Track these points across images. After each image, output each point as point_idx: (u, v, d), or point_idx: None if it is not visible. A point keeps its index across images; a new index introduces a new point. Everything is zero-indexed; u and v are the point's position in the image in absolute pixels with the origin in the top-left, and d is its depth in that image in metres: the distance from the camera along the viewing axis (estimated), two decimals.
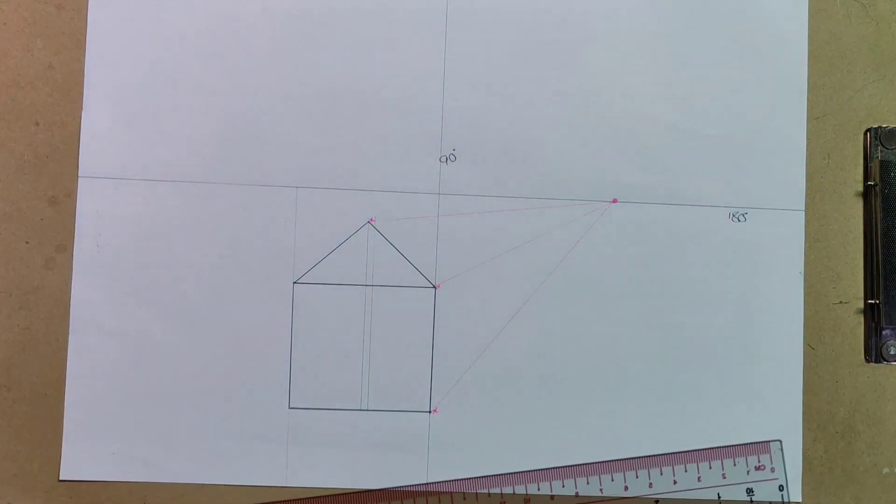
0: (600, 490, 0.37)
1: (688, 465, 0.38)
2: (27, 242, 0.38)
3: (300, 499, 0.37)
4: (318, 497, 0.37)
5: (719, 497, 0.38)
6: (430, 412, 0.38)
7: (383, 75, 0.38)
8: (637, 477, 0.38)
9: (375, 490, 0.37)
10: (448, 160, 0.38)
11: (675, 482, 0.38)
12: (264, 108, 0.38)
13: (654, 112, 0.39)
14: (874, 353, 0.39)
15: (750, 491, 0.38)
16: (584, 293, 0.39)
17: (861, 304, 0.39)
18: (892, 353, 0.39)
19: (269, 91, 0.38)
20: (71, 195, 0.38)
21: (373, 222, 0.38)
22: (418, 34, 0.38)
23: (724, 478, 0.38)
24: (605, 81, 0.39)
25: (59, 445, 0.37)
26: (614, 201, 0.39)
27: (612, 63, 0.39)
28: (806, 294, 0.39)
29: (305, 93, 0.38)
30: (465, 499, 0.37)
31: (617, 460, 0.38)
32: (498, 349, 0.38)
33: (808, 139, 0.39)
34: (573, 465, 0.38)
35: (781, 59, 0.39)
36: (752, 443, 0.38)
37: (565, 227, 0.39)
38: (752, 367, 0.39)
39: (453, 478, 0.38)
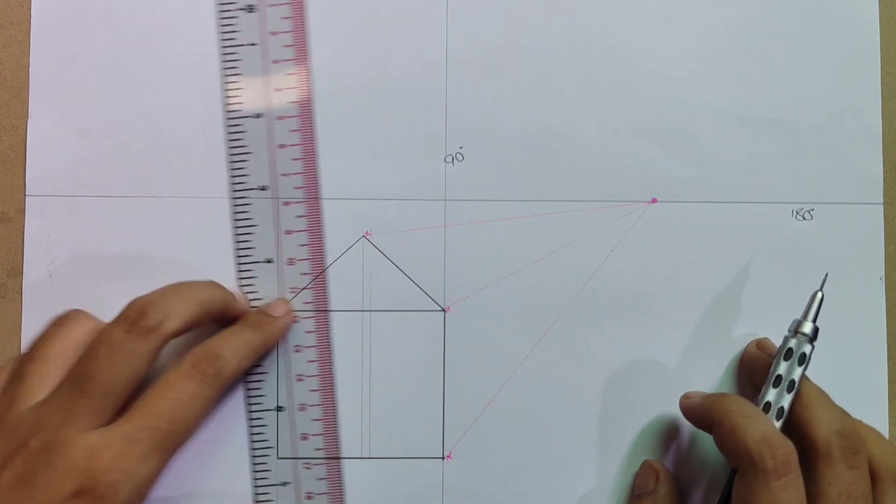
0: None
1: None
2: None
3: None
4: None
5: None
6: (443, 458, 0.36)
7: (374, 62, 0.36)
8: None
9: None
10: (454, 160, 0.36)
11: None
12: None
13: (698, 94, 0.37)
14: None
15: None
16: (619, 312, 0.36)
17: None
18: None
19: None
20: (23, 211, 0.36)
21: (368, 236, 0.36)
22: (413, 11, 0.36)
23: None
24: (637, 59, 0.36)
25: None
26: (653, 201, 0.36)
27: (646, 38, 0.36)
28: (889, 304, 0.37)
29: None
30: None
31: None
32: (521, 381, 0.36)
33: (883, 120, 0.37)
34: None
35: (849, 25, 0.37)
36: None
37: (596, 234, 0.36)
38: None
39: None
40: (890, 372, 0.36)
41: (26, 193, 0.36)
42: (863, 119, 0.36)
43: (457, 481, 0.35)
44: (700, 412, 0.32)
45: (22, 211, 0.36)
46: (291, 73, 0.35)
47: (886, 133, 0.36)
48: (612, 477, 0.35)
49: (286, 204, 0.35)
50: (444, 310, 0.36)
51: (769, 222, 0.36)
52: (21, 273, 0.36)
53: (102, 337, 0.29)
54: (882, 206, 0.36)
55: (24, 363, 0.30)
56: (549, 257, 0.36)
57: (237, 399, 0.35)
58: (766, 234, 0.36)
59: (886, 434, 0.36)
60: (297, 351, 0.35)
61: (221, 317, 0.33)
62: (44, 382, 0.29)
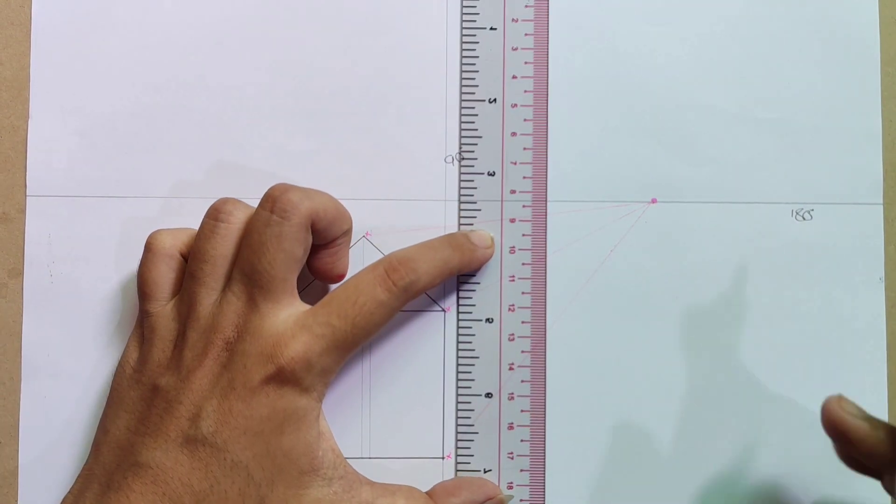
0: None
1: None
2: None
3: None
4: None
5: None
6: (443, 458, 0.35)
7: (375, 63, 0.36)
8: None
9: None
10: (455, 160, 0.36)
11: None
12: (239, 106, 0.36)
13: (698, 93, 0.36)
14: None
15: None
16: (618, 313, 0.36)
17: None
18: None
19: (243, 87, 0.36)
20: (24, 211, 0.36)
21: (369, 237, 0.35)
22: (414, 13, 0.36)
23: None
24: (637, 59, 0.36)
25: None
26: (653, 202, 0.36)
27: (646, 38, 0.36)
28: (889, 304, 0.36)
29: (286, 87, 0.36)
30: None
31: None
32: (521, 379, 0.35)
33: (883, 120, 0.36)
34: None
35: (849, 25, 0.36)
36: None
37: (595, 235, 0.36)
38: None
39: None
40: (890, 372, 0.36)
41: (27, 193, 0.35)
42: (863, 119, 0.36)
43: None
44: (885, 449, 0.29)
45: (22, 211, 0.35)
46: (529, 62, 0.35)
47: (886, 133, 0.36)
48: (610, 477, 0.35)
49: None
50: (444, 310, 0.35)
51: (769, 222, 0.35)
52: (21, 273, 0.35)
53: (255, 226, 0.30)
54: (882, 206, 0.36)
55: (198, 265, 0.31)
56: (550, 257, 0.35)
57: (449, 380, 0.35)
58: (766, 234, 0.35)
59: None
60: (510, 340, 0.35)
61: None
62: (218, 283, 0.31)
